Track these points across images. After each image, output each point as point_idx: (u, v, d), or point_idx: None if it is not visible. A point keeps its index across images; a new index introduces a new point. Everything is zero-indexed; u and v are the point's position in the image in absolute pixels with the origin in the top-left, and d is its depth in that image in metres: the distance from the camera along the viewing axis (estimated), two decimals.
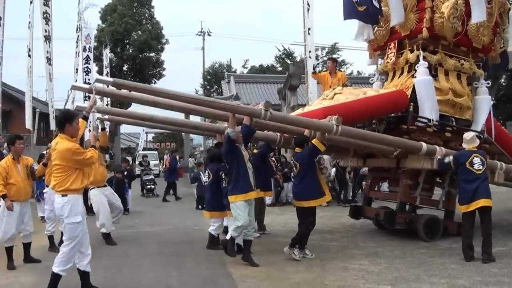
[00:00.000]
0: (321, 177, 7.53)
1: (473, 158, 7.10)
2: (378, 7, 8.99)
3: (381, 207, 10.00)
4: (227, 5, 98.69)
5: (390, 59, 9.26)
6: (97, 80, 6.33)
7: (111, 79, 6.54)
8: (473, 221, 7.18)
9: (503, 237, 8.71)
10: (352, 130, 7.65)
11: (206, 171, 9.66)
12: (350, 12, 8.95)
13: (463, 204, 7.14)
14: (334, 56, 44.32)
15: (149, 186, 19.31)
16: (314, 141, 7.28)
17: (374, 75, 10.69)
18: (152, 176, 20.26)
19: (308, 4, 15.57)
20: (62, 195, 5.40)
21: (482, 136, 8.87)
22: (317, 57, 15.42)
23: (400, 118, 8.70)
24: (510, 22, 9.31)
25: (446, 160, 7.43)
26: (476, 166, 7.04)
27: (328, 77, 10.48)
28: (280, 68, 48.84)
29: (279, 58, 50.85)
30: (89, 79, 25.81)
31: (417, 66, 8.58)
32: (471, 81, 9.30)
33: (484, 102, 9.15)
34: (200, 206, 13.45)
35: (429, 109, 8.36)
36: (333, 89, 8.98)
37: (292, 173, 14.36)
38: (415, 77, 8.60)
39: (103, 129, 8.56)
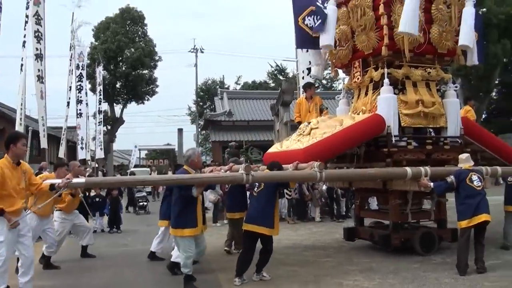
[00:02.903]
0: (276, 210, 7.08)
1: (471, 176, 7.29)
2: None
3: (373, 224, 10.02)
4: (219, 22, 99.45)
5: (357, 78, 9.37)
6: (71, 184, 6.35)
7: (83, 181, 6.68)
8: (470, 236, 7.25)
9: (496, 250, 8.80)
10: (336, 173, 7.87)
11: None
12: (303, 41, 9.16)
13: (465, 219, 7.18)
14: (326, 71, 44.61)
15: (141, 203, 19.27)
16: None
17: (340, 93, 10.76)
18: (144, 193, 20.26)
19: None
20: None
21: (461, 141, 9.01)
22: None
23: (377, 141, 8.78)
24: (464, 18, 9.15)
25: (449, 180, 7.42)
26: (475, 183, 7.23)
27: (305, 102, 10.70)
28: (272, 84, 49.26)
29: (271, 74, 51.30)
30: (81, 97, 25.89)
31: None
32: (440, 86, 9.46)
33: (454, 105, 9.17)
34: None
35: (393, 127, 8.42)
36: (309, 122, 9.01)
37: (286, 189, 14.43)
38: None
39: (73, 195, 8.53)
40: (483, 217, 7.06)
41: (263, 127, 32.30)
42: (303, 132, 8.69)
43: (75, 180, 6.43)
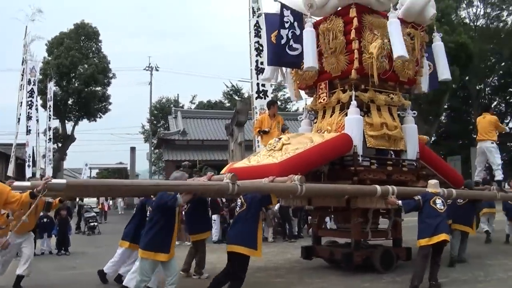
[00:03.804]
0: (260, 231, 7.05)
1: (436, 199, 7.74)
2: (292, 55, 9.20)
3: (329, 243, 10.13)
4: (175, 41, 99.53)
5: (323, 99, 9.55)
6: (50, 185, 5.81)
7: (64, 182, 6.02)
8: (427, 255, 7.55)
9: (445, 268, 8.99)
10: (315, 186, 7.82)
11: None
12: (279, 58, 9.27)
13: (424, 238, 7.51)
14: (280, 93, 45.22)
15: (92, 224, 18.84)
16: None
17: (303, 113, 10.90)
18: (93, 214, 19.85)
19: (261, 46, 15.64)
20: None
21: (417, 165, 9.46)
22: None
23: (343, 160, 8.94)
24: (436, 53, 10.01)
25: (416, 198, 7.81)
26: (438, 205, 7.66)
27: (268, 119, 10.69)
28: (228, 104, 49.37)
29: (227, 94, 51.43)
30: (31, 113, 25.24)
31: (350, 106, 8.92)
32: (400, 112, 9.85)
33: (412, 130, 9.63)
34: None
35: (359, 147, 8.66)
36: (279, 138, 9.07)
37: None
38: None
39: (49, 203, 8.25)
40: (442, 236, 7.41)
41: (218, 146, 32.27)
42: (274, 147, 8.72)
43: (54, 181, 5.92)
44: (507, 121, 42.72)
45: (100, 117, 40.94)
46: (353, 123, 8.73)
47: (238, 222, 7.02)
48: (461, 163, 29.23)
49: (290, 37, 9.05)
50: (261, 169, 7.99)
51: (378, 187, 8.12)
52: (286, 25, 9.05)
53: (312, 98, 10.23)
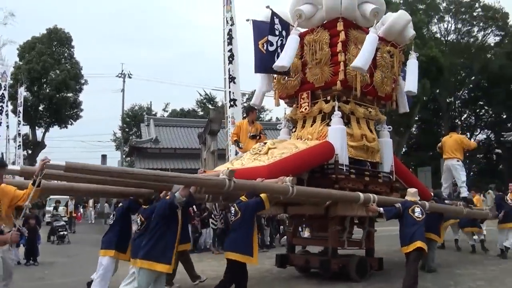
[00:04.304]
0: (255, 237, 7.06)
1: (414, 207, 8.02)
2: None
3: (302, 252, 10.14)
4: (148, 48, 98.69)
5: (305, 109, 9.62)
6: (48, 166, 5.60)
7: (63, 164, 5.66)
8: (414, 260, 7.80)
9: (424, 274, 9.24)
10: (305, 189, 7.82)
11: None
12: (263, 65, 9.28)
13: (404, 245, 7.86)
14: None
15: (61, 232, 18.49)
16: (263, 196, 7.02)
17: (281, 122, 10.94)
18: (63, 222, 19.51)
19: (233, 55, 15.77)
20: None
21: (392, 177, 9.70)
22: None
23: (323, 169, 9.02)
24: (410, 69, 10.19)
25: (397, 205, 8.10)
26: (416, 214, 7.94)
27: (247, 125, 10.63)
28: (201, 113, 49.17)
29: (200, 103, 51.24)
30: (1, 119, 24.78)
31: (333, 116, 9.03)
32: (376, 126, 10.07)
33: (387, 144, 9.92)
34: None
35: (340, 156, 8.76)
36: (264, 143, 9.08)
37: (212, 219, 14.33)
38: (330, 125, 9.04)
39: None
40: (417, 244, 7.68)
41: (190, 155, 32.04)
42: (260, 151, 8.74)
43: (53, 162, 5.59)
44: (476, 133, 43.72)
45: (71, 123, 40.48)
46: (337, 133, 8.87)
47: (234, 231, 7.02)
48: (431, 174, 29.67)
49: (279, 44, 9.10)
50: (249, 171, 7.90)
51: (361, 194, 8.29)
52: (276, 33, 9.10)
53: (291, 108, 10.34)
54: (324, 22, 9.41)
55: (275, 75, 10.01)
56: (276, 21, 9.11)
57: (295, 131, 10.07)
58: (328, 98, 9.33)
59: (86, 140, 52.59)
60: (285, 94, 10.17)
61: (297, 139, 9.63)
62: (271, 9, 9.10)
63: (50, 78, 37.02)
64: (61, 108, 38.08)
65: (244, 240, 6.82)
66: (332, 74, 9.13)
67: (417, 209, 7.98)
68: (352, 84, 9.06)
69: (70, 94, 38.94)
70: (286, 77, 9.77)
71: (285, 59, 8.79)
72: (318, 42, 9.28)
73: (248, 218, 6.91)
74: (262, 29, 9.53)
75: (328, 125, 9.14)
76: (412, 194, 8.41)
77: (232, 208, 7.06)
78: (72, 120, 40.32)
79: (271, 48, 9.03)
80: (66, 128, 40.34)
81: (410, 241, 7.73)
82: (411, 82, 9.83)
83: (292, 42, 8.93)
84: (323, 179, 8.90)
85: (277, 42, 9.08)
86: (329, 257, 8.93)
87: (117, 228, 7.78)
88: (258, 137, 10.33)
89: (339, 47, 8.97)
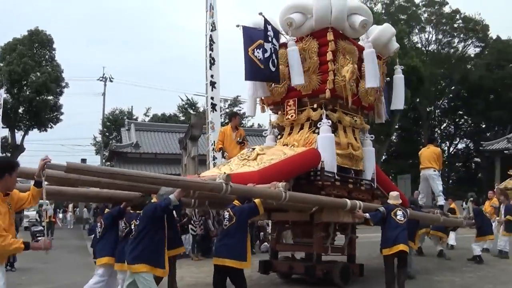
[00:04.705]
0: (248, 242, 7.00)
1: (397, 211, 8.17)
2: (273, 70, 9.23)
3: (284, 258, 10.14)
4: (130, 52, 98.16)
5: (291, 116, 9.67)
6: (49, 166, 5.53)
7: (64, 164, 5.52)
8: (393, 263, 8.09)
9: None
10: (297, 195, 7.84)
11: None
12: (253, 72, 9.25)
13: (386, 247, 8.01)
14: (235, 109, 45.32)
15: (40, 238, 18.23)
16: (257, 201, 6.99)
17: (267, 128, 11.00)
18: (41, 227, 19.22)
19: (213, 59, 15.74)
20: None
21: (373, 185, 9.91)
22: (220, 109, 15.65)
23: (309, 175, 9.06)
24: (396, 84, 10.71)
25: (381, 209, 8.24)
26: (398, 217, 8.08)
27: (230, 131, 10.62)
28: (182, 118, 48.97)
29: (182, 108, 51.05)
30: None
31: (320, 124, 9.10)
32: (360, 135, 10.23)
33: (370, 153, 10.09)
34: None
35: (330, 164, 8.85)
36: (253, 148, 9.10)
37: (192, 225, 14.23)
38: (317, 133, 9.12)
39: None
40: (400, 247, 7.84)
41: (171, 160, 31.87)
42: (248, 157, 8.72)
43: (54, 162, 5.35)
44: (456, 142, 44.35)
45: (51, 127, 39.83)
46: (326, 141, 8.96)
47: (227, 236, 6.91)
48: (410, 182, 29.95)
49: (273, 51, 9.14)
50: (239, 177, 7.80)
51: (348, 201, 8.43)
52: (269, 39, 9.11)
53: (276, 115, 10.41)
54: (313, 31, 9.45)
55: None
56: (269, 27, 9.14)
57: (281, 138, 10.10)
58: (315, 106, 9.40)
59: (66, 144, 52.01)
60: (271, 100, 10.20)
61: (283, 145, 9.65)
62: (264, 16, 9.11)
63: (30, 81, 36.48)
64: (41, 111, 37.55)
65: (240, 246, 6.77)
66: (319, 83, 9.22)
67: (399, 212, 8.12)
68: (340, 93, 9.14)
69: (50, 97, 38.40)
70: (273, 84, 9.79)
71: (298, 75, 8.98)
72: (307, 51, 9.33)
73: (243, 223, 6.90)
74: (252, 35, 9.43)
75: (315, 132, 9.21)
76: (394, 197, 8.52)
77: (226, 213, 6.96)
78: (52, 124, 39.73)
79: (266, 55, 9.03)
80: (45, 131, 39.77)
81: (394, 243, 7.88)
82: (398, 99, 10.27)
83: (295, 55, 9.05)
84: (309, 185, 8.94)
85: (271, 49, 9.10)
86: (314, 263, 8.95)
87: (112, 234, 7.60)
88: (242, 143, 10.33)
89: (329, 56, 9.05)
